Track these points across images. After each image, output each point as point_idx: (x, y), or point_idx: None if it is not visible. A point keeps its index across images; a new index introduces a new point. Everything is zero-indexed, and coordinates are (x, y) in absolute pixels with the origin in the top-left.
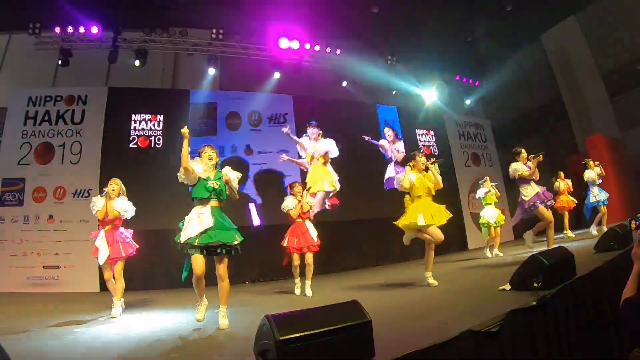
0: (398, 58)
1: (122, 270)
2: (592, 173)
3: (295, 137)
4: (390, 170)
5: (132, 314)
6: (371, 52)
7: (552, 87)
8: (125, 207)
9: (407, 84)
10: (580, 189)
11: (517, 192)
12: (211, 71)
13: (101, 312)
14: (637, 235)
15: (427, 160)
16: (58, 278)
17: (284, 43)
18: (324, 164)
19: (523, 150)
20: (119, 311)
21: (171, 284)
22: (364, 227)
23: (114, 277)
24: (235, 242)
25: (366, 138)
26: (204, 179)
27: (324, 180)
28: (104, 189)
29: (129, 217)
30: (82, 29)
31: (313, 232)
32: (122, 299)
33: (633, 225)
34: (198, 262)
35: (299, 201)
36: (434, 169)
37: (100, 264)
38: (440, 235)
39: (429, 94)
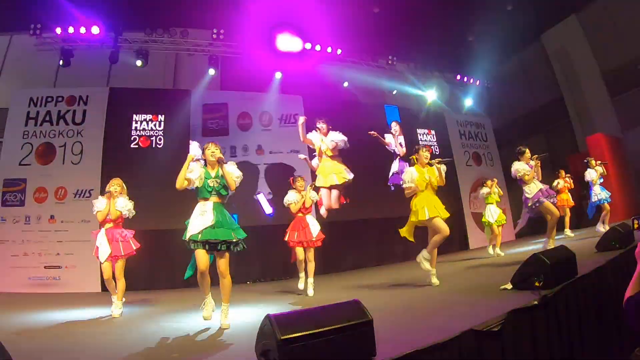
0: (399, 58)
1: (123, 270)
2: (593, 173)
3: (304, 136)
4: (395, 166)
5: (133, 313)
6: (372, 52)
7: (553, 87)
8: (127, 206)
9: (407, 83)
10: (581, 188)
11: (521, 191)
12: (211, 71)
13: (102, 312)
14: (639, 235)
15: (431, 160)
16: (59, 278)
17: (284, 43)
18: (332, 157)
19: (527, 150)
20: (119, 311)
21: (172, 284)
22: (365, 226)
23: (114, 277)
24: (234, 240)
25: (374, 134)
26: (205, 178)
27: (332, 175)
28: (107, 190)
29: (130, 217)
30: (83, 30)
31: (314, 228)
32: (124, 299)
33: (635, 225)
34: (201, 256)
35: (302, 196)
36: (441, 170)
37: (101, 261)
38: (446, 228)
39: (430, 94)
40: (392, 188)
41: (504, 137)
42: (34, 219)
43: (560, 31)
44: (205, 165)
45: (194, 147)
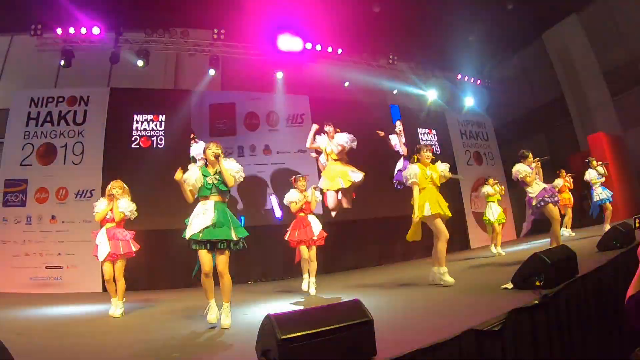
0: (399, 57)
1: (123, 271)
2: (593, 172)
3: (312, 143)
4: (400, 165)
5: (133, 313)
6: (373, 52)
7: (554, 86)
8: (129, 207)
9: (408, 83)
10: (582, 187)
11: (523, 191)
12: (211, 72)
13: (103, 312)
14: None
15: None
16: (60, 278)
17: (285, 43)
18: (337, 160)
19: (530, 155)
20: (120, 311)
21: (173, 284)
22: (366, 226)
23: (114, 278)
24: (235, 238)
25: (382, 134)
26: (205, 177)
27: (339, 178)
28: (110, 193)
29: (132, 218)
30: (83, 30)
31: (316, 227)
32: (124, 299)
33: (637, 224)
34: (204, 257)
35: (304, 196)
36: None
37: (100, 260)
38: (446, 232)
39: (431, 93)
40: (398, 187)
41: (504, 137)
42: (35, 219)
43: (561, 30)
44: (206, 165)
45: (197, 148)
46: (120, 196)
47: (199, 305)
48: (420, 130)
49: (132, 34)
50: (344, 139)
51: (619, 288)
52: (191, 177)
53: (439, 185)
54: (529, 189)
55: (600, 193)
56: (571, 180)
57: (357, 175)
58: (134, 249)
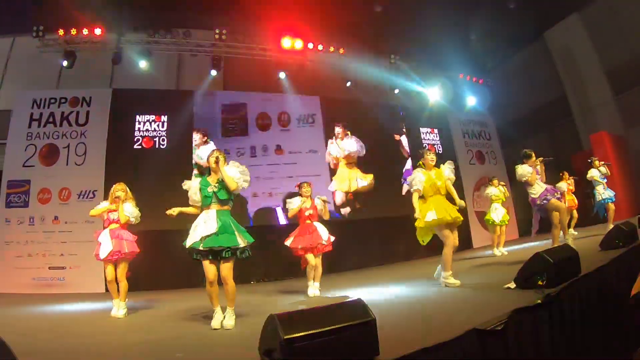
0: (401, 57)
1: (125, 272)
2: (595, 172)
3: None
4: (408, 164)
5: (136, 314)
6: (374, 51)
7: (556, 85)
8: (134, 214)
9: (410, 82)
10: (586, 186)
11: (525, 191)
12: (213, 72)
13: (106, 312)
14: None
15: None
16: (63, 279)
17: (287, 43)
18: (347, 165)
19: (533, 155)
20: (123, 311)
21: (175, 284)
22: (369, 226)
23: (116, 279)
24: (241, 245)
25: (398, 137)
26: (205, 187)
27: (347, 181)
28: (115, 195)
29: (135, 223)
30: (85, 31)
31: (323, 233)
32: (127, 299)
33: None
34: (207, 266)
35: (303, 201)
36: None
37: (101, 258)
38: (451, 238)
39: (433, 93)
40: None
41: (507, 136)
42: (38, 220)
43: (563, 29)
44: (209, 174)
45: (205, 150)
46: (125, 198)
47: (201, 305)
48: (422, 130)
49: (134, 34)
50: (353, 147)
51: (622, 287)
52: (193, 189)
53: (444, 192)
54: (531, 190)
55: (602, 193)
56: (573, 182)
57: (363, 182)
58: (136, 251)
